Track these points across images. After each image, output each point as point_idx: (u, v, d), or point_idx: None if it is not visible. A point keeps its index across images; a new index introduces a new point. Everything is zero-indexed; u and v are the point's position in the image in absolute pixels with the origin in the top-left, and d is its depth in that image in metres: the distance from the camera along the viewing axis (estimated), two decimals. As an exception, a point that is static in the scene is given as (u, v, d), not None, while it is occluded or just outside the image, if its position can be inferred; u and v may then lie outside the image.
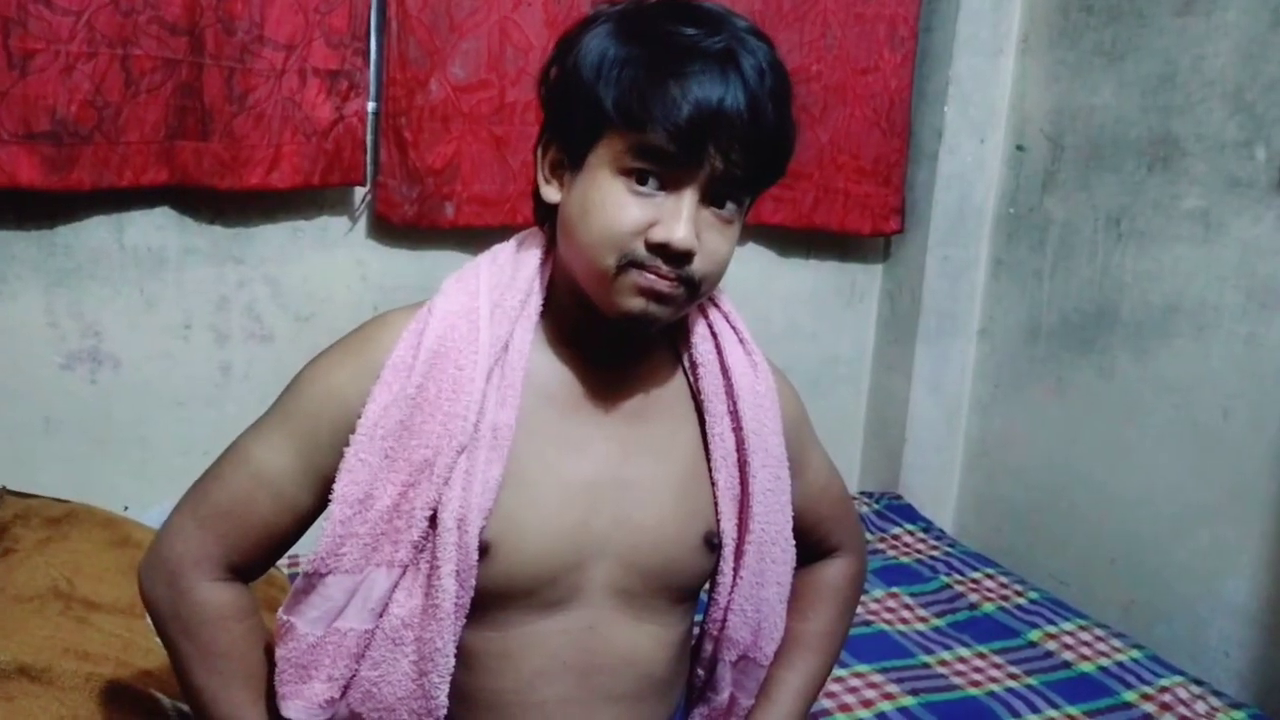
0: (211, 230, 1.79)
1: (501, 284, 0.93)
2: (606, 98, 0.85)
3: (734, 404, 1.00)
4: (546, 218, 0.94)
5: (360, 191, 1.87)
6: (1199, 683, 1.60)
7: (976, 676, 1.60)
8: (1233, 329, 1.76)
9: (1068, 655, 1.68)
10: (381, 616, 0.89)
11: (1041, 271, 2.13)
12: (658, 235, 0.85)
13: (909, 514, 2.21)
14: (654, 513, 0.95)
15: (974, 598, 1.86)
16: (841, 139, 2.16)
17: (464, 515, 0.86)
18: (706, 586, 1.02)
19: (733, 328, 1.05)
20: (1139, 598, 1.91)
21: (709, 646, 1.03)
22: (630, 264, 0.85)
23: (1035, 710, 1.52)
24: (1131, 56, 1.93)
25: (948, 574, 1.95)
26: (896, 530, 2.13)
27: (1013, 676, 1.61)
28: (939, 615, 1.80)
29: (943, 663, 1.64)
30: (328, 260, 1.88)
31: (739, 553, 0.98)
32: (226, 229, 1.80)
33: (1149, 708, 1.54)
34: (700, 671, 1.06)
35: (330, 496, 0.87)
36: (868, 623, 1.75)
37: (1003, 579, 1.93)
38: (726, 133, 0.85)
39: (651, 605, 0.96)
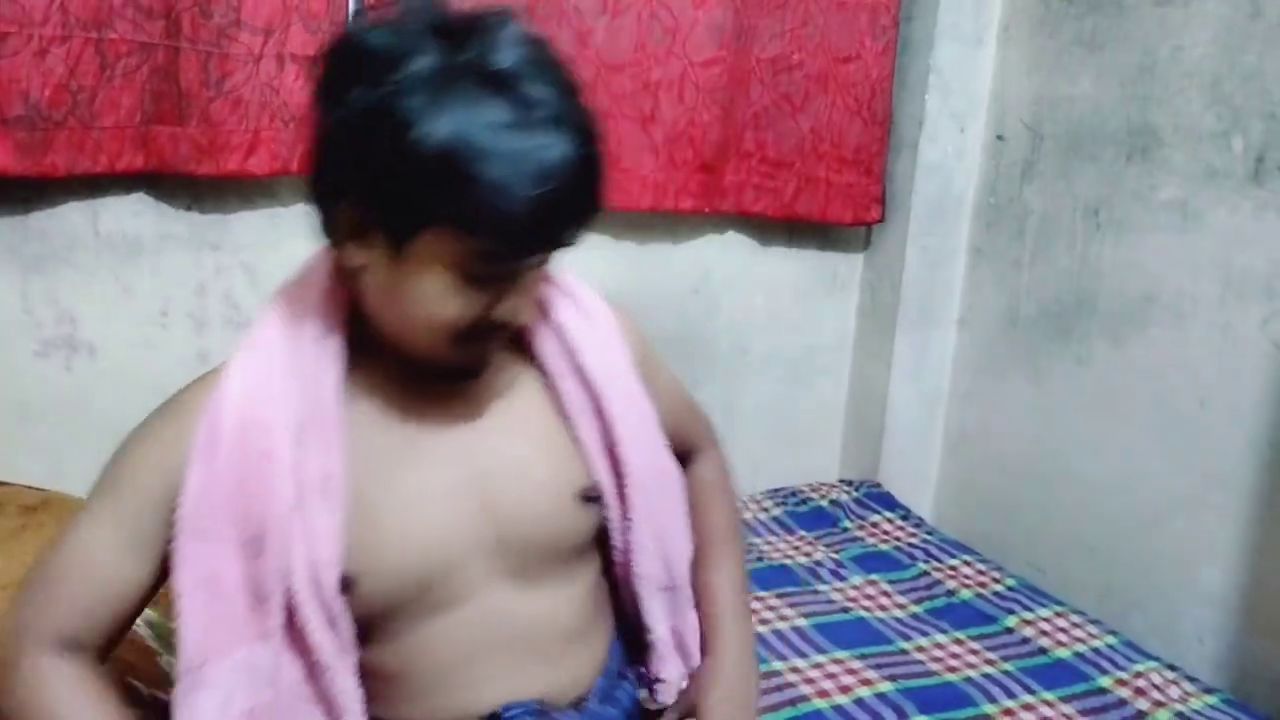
0: (188, 216, 1.78)
1: (296, 336, 0.90)
2: (453, 201, 0.79)
3: (576, 360, 1.01)
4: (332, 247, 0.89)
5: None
6: (1173, 668, 1.62)
7: (954, 662, 1.61)
8: (1210, 319, 1.77)
9: (1044, 641, 1.69)
10: (276, 684, 0.88)
11: (1021, 261, 2.14)
12: (500, 316, 0.87)
13: (888, 502, 2.22)
14: (520, 491, 0.96)
15: (952, 584, 1.87)
16: (822, 128, 2.16)
17: (314, 573, 0.87)
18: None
19: (557, 287, 1.05)
20: (1115, 585, 1.92)
21: (626, 589, 1.06)
22: (461, 341, 0.87)
23: (1012, 695, 1.53)
24: (1111, 46, 1.94)
25: (926, 561, 1.96)
26: (875, 518, 2.14)
27: (989, 662, 1.62)
28: (917, 602, 1.81)
29: (920, 649, 1.65)
30: (306, 247, 1.86)
31: (622, 497, 1.01)
32: (203, 215, 1.79)
33: (1123, 693, 1.55)
34: (629, 612, 1.07)
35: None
36: (846, 609, 1.76)
37: (980, 566, 1.94)
38: (577, 221, 0.85)
39: (547, 572, 0.98)
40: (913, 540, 2.05)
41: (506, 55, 0.81)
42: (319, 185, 0.86)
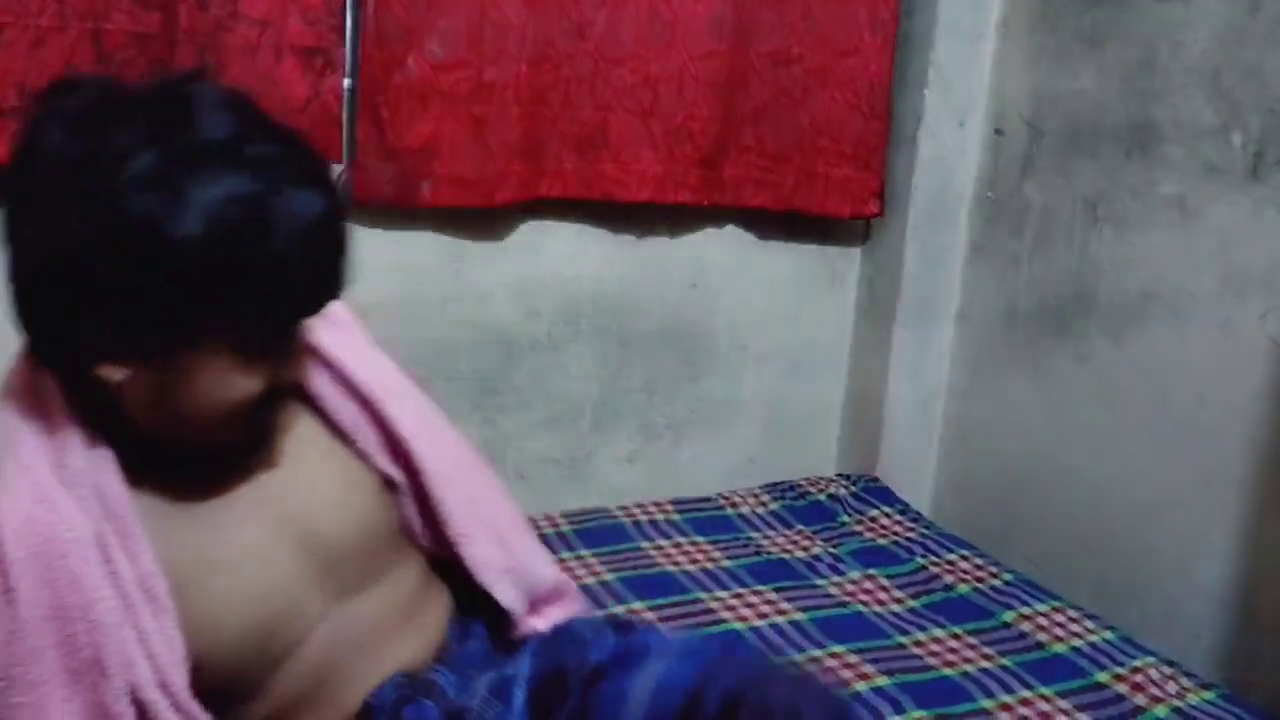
0: (185, 209, 1.78)
1: (56, 452, 0.85)
2: (227, 292, 0.78)
3: (344, 377, 1.03)
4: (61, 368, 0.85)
5: (336, 170, 1.85)
6: (1170, 663, 1.62)
7: (951, 657, 1.61)
8: (1208, 315, 1.77)
9: (1041, 636, 1.69)
10: None
11: (1020, 256, 2.14)
12: (285, 379, 0.89)
13: (886, 496, 2.22)
14: (326, 517, 0.97)
15: (949, 579, 1.87)
16: (822, 122, 2.16)
17: (161, 677, 0.84)
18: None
19: None
20: (1112, 580, 1.93)
21: (470, 571, 1.09)
22: (249, 415, 0.87)
23: (1009, 690, 1.53)
24: (1111, 42, 1.93)
25: (924, 556, 1.96)
26: (874, 513, 2.14)
27: (987, 657, 1.62)
28: (914, 597, 1.81)
29: (918, 643, 1.65)
30: (304, 240, 1.87)
31: (417, 483, 1.05)
32: (201, 207, 1.79)
33: (1121, 688, 1.55)
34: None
35: None
36: (844, 604, 1.76)
37: (978, 561, 1.94)
38: (344, 268, 0.87)
39: (372, 575, 1.01)
40: (911, 535, 2.05)
41: (217, 122, 0.78)
42: (44, 312, 0.81)
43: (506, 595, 1.11)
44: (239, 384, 0.85)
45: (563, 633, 1.10)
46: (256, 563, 0.93)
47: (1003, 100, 2.19)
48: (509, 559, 1.11)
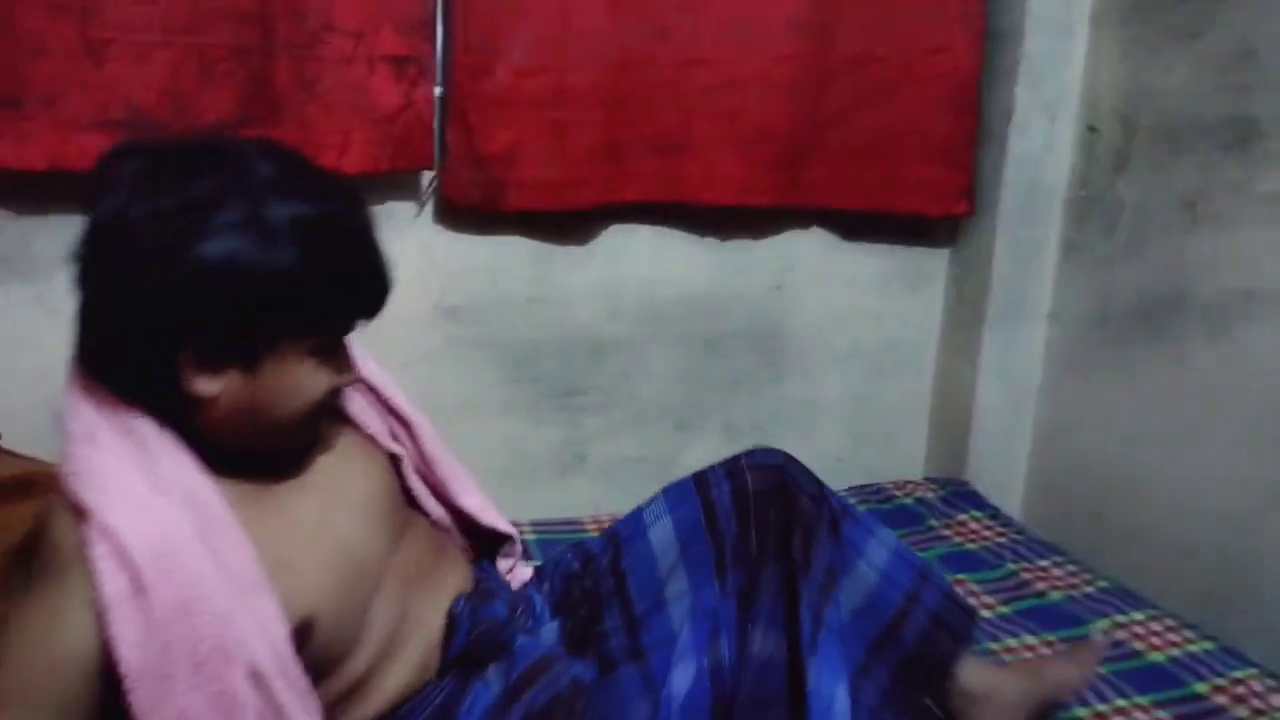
0: (282, 215, 1.83)
1: (145, 462, 0.93)
2: (309, 306, 0.93)
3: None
4: (157, 397, 0.94)
5: (427, 176, 1.89)
6: (1274, 675, 1.56)
7: (1042, 664, 1.59)
8: (1313, 314, 1.71)
9: (1137, 645, 1.65)
10: None
11: (1113, 255, 2.09)
12: (346, 376, 1.03)
13: (976, 501, 2.18)
14: (361, 482, 1.13)
15: (1041, 586, 1.84)
16: (908, 120, 2.13)
17: (277, 656, 0.93)
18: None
19: None
20: (1214, 588, 1.87)
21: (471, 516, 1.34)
22: (320, 411, 1.02)
23: (1104, 699, 1.50)
24: (1208, 34, 1.88)
25: (1015, 561, 1.92)
26: (963, 517, 2.11)
27: (1080, 666, 1.59)
28: (1005, 603, 1.78)
29: (1009, 650, 1.62)
30: (396, 244, 1.86)
31: (419, 455, 1.28)
32: (297, 214, 1.84)
33: (1221, 700, 1.51)
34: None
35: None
36: (931, 609, 1.74)
37: (1071, 567, 1.90)
38: (388, 284, 1.03)
39: (403, 525, 1.20)
40: (1001, 540, 2.01)
41: (265, 165, 0.92)
42: (139, 342, 0.91)
43: (505, 525, 1.37)
44: (314, 384, 0.98)
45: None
46: (328, 529, 1.05)
47: (1095, 95, 2.14)
48: (488, 503, 1.37)
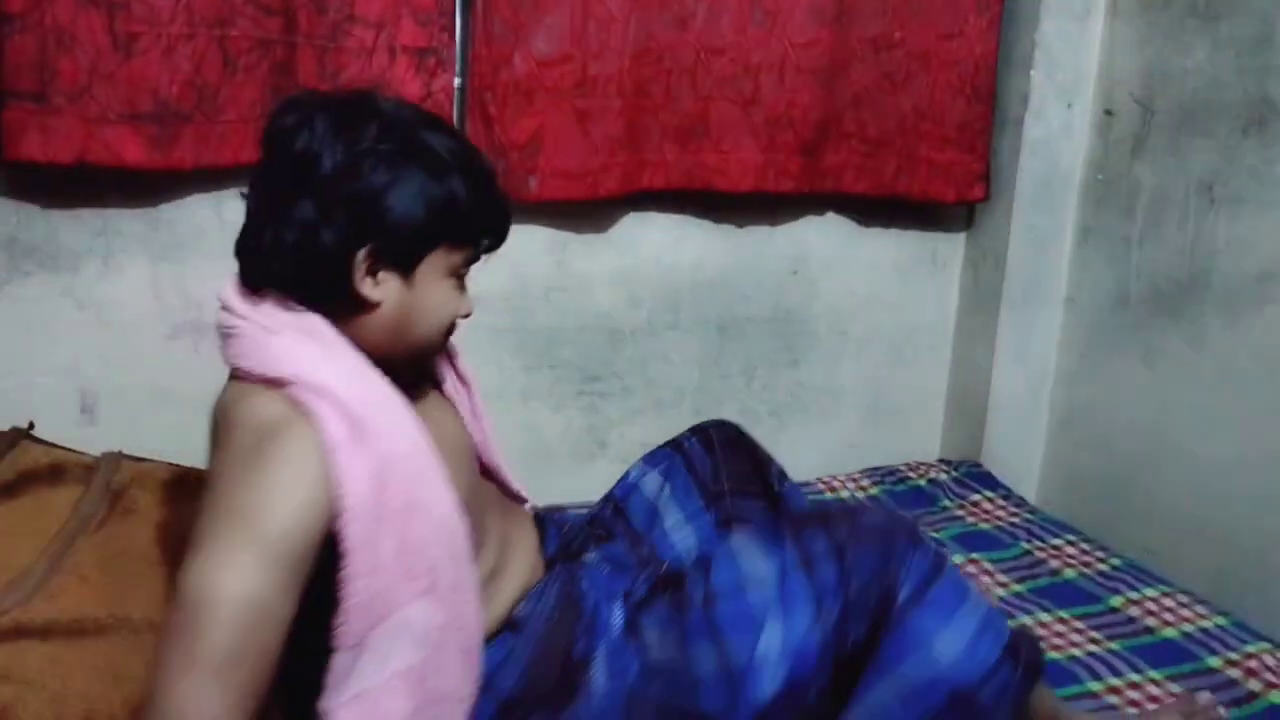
0: (306, 205, 1.86)
1: (332, 357, 1.04)
2: (452, 226, 1.06)
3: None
4: (329, 298, 1.05)
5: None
6: (1287, 651, 1.58)
7: (1058, 641, 1.61)
8: (1330, 296, 1.72)
9: (1150, 621, 1.67)
10: (427, 641, 1.01)
11: (1130, 239, 2.10)
12: (464, 311, 1.14)
13: (988, 481, 2.20)
14: (456, 427, 1.29)
15: (1055, 564, 1.86)
16: (924, 106, 2.15)
17: (449, 524, 1.04)
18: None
19: None
20: (1229, 567, 1.88)
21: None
22: (445, 334, 1.15)
23: (1117, 674, 1.52)
24: (1226, 17, 1.88)
25: (1028, 541, 1.94)
26: (975, 497, 2.13)
27: (1094, 641, 1.61)
28: (1019, 581, 1.80)
29: (1023, 627, 1.65)
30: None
31: (474, 408, 1.40)
32: (320, 204, 1.86)
33: (1234, 673, 1.53)
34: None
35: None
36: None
37: (1084, 545, 1.92)
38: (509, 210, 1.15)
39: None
40: (1014, 520, 2.03)
41: (410, 112, 1.09)
42: (325, 246, 1.02)
43: (525, 492, 1.47)
44: (451, 303, 1.11)
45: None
46: (452, 439, 1.19)
47: (1112, 79, 2.15)
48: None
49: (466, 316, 1.15)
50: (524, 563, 1.30)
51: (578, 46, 1.85)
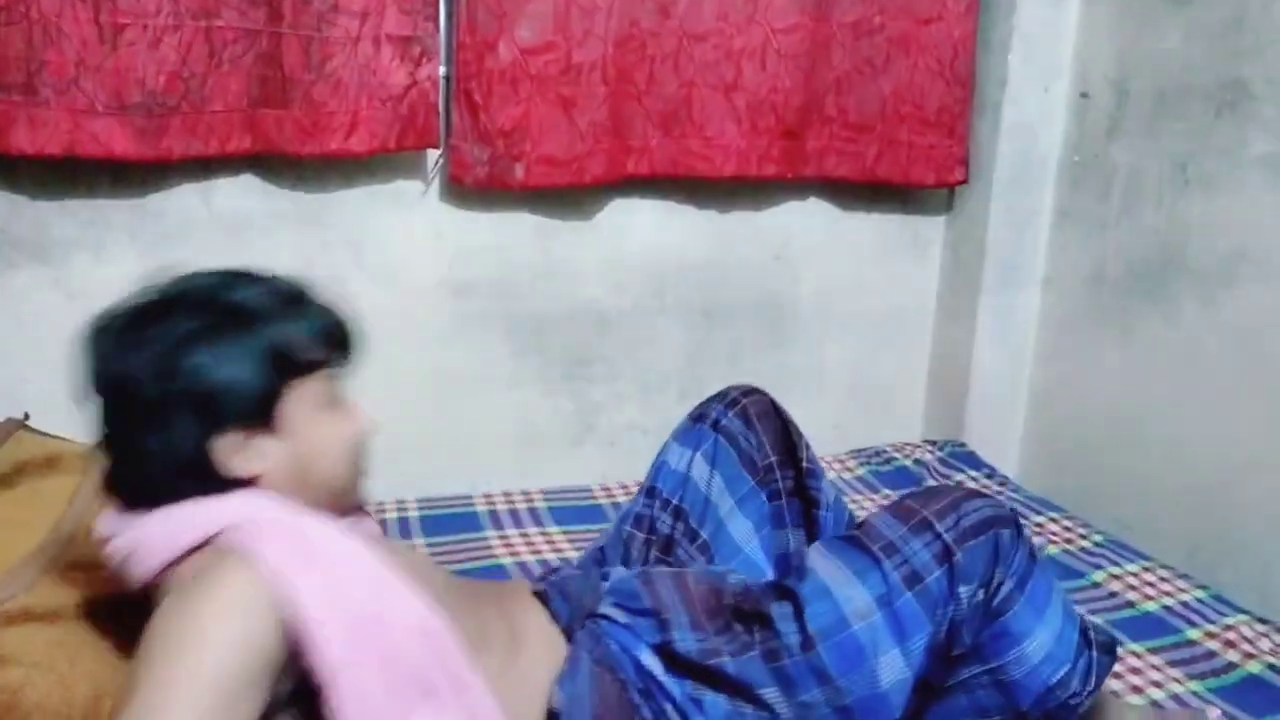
0: (294, 195, 1.87)
1: (256, 500, 1.02)
2: (288, 371, 1.02)
3: None
4: (220, 489, 1.01)
5: (434, 155, 1.93)
6: (1264, 621, 1.62)
7: (1040, 616, 1.64)
8: (1301, 274, 1.76)
9: (1131, 595, 1.71)
10: None
11: (1106, 220, 2.14)
12: (359, 433, 1.09)
13: (972, 461, 2.24)
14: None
15: (1038, 541, 1.89)
16: (904, 90, 2.17)
17: (422, 622, 1.00)
18: None
19: None
20: (1204, 541, 1.93)
21: None
22: (358, 456, 1.09)
23: (1099, 649, 1.55)
24: (1199, 1, 1.91)
25: (1011, 519, 1.98)
26: (960, 477, 2.16)
27: (1077, 616, 1.64)
28: (1003, 559, 1.83)
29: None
30: (405, 223, 1.95)
31: None
32: (308, 194, 1.88)
33: (1213, 645, 1.56)
34: None
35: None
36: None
37: (1066, 522, 1.96)
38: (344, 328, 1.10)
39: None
40: (998, 498, 2.07)
41: (205, 278, 1.07)
42: (185, 453, 0.99)
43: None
44: (340, 430, 1.07)
45: None
46: (415, 562, 1.18)
47: (1088, 62, 2.18)
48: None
49: (365, 435, 1.10)
50: (540, 642, 1.19)
51: (561, 34, 1.87)
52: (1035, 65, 2.21)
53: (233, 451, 1.00)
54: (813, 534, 1.40)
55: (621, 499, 1.99)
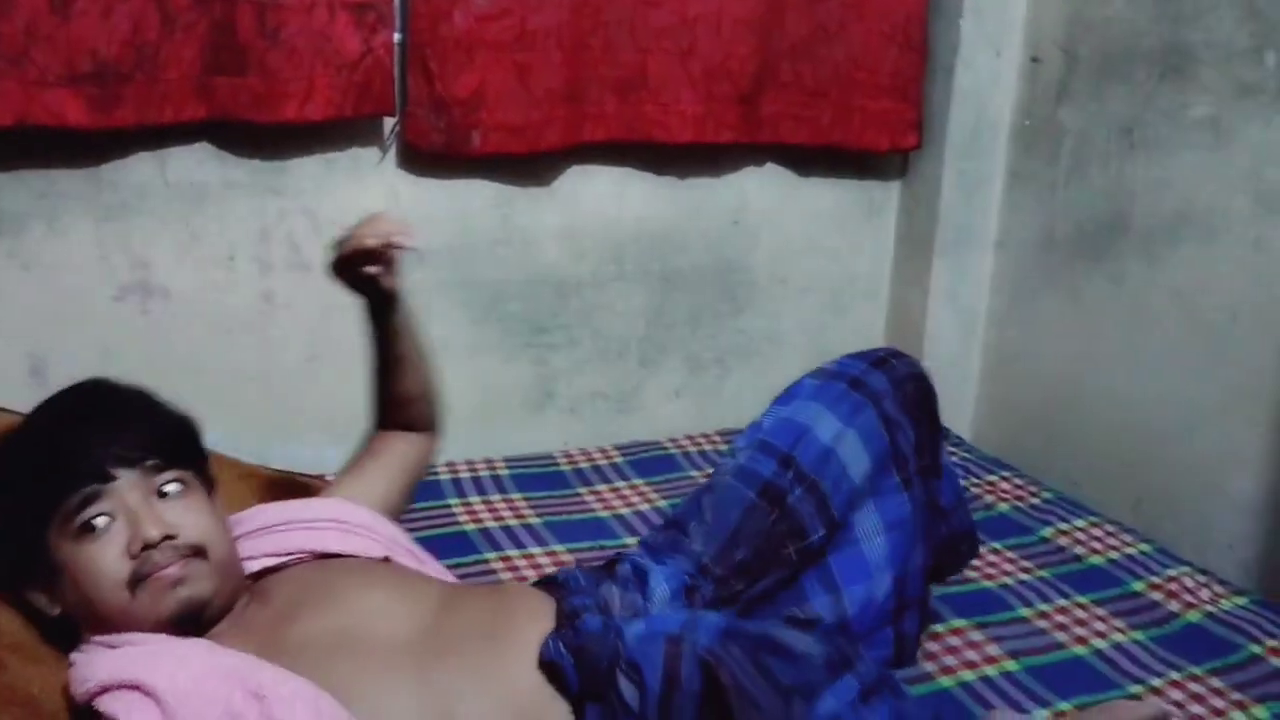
0: (250, 164, 1.86)
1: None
2: (28, 531, 1.03)
3: None
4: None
5: (390, 122, 1.93)
6: (1204, 572, 1.68)
7: (990, 570, 1.69)
8: (1241, 234, 1.81)
9: (1079, 550, 1.76)
10: None
11: (1056, 183, 2.18)
12: (135, 547, 1.02)
13: (927, 422, 2.28)
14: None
15: (989, 499, 1.94)
16: (858, 56, 2.19)
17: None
18: None
19: None
20: (1147, 495, 1.99)
21: None
22: (137, 580, 1.02)
23: (1046, 600, 1.60)
24: (1144, -35, 1.95)
25: (964, 478, 2.02)
26: (915, 438, 2.20)
27: (1025, 570, 1.69)
28: (955, 515, 1.88)
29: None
30: (361, 191, 1.95)
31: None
32: (264, 162, 1.87)
33: (1156, 596, 1.62)
34: None
35: None
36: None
37: (1018, 481, 2.01)
38: (108, 438, 1.06)
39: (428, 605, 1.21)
40: (952, 458, 2.09)
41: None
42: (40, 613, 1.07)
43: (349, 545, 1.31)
44: (106, 559, 1.03)
45: None
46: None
47: (1038, 27, 2.21)
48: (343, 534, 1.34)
49: (148, 548, 1.03)
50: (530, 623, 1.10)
51: (516, 0, 1.86)
52: (987, 30, 2.23)
53: (33, 596, 1.06)
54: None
55: (584, 465, 2.02)
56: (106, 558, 1.03)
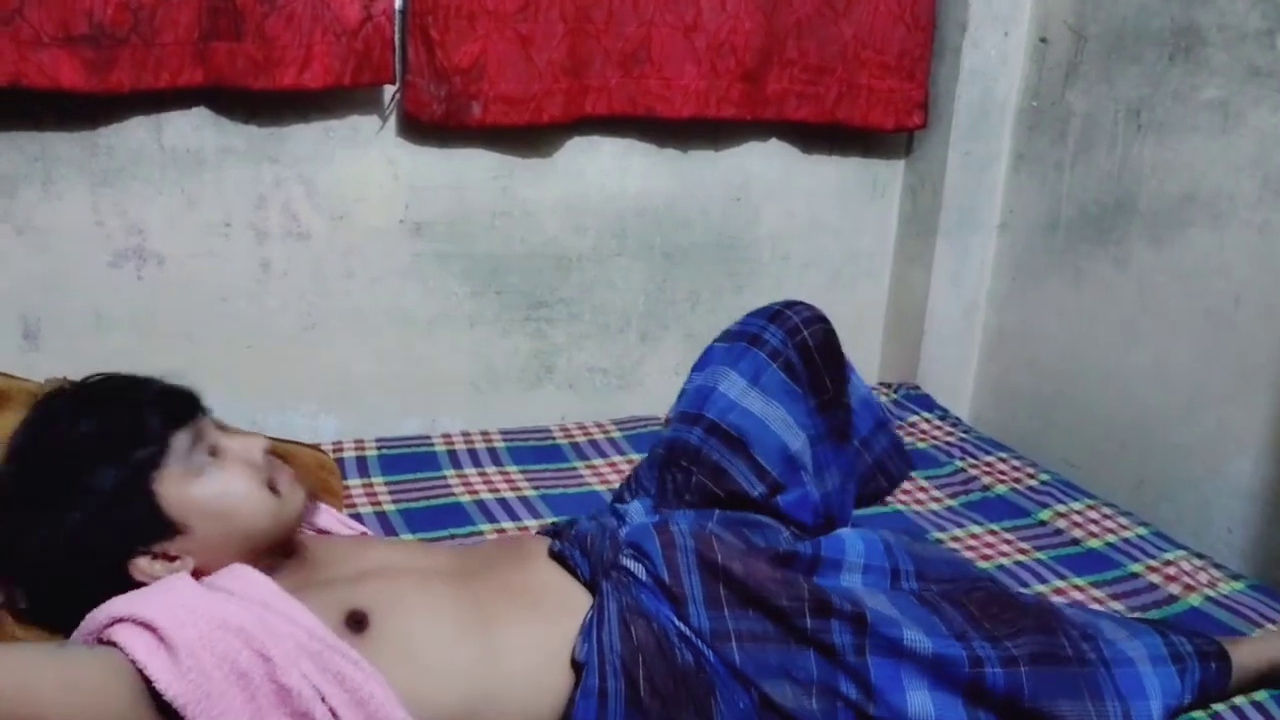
0: (247, 130, 1.84)
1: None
2: (144, 469, 1.03)
3: None
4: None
5: (389, 91, 1.91)
6: (1201, 556, 1.67)
7: (988, 551, 1.68)
8: (1247, 218, 1.79)
9: (1076, 533, 1.75)
10: None
11: (1062, 164, 2.16)
12: (257, 456, 1.10)
13: (926, 403, 2.27)
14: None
15: (987, 480, 1.93)
16: (865, 34, 2.17)
17: (317, 634, 1.03)
18: None
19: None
20: (1147, 478, 1.98)
21: None
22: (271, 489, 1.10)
23: (1043, 581, 1.60)
24: (1156, -56, 1.92)
25: (962, 459, 2.01)
26: (914, 418, 2.20)
27: (1022, 551, 1.68)
28: (953, 496, 1.87)
29: (955, 539, 1.72)
30: (360, 159, 1.93)
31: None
32: (261, 129, 1.85)
33: (1154, 579, 1.61)
34: None
35: None
36: (885, 503, 1.83)
37: (1015, 462, 2.00)
38: (158, 397, 1.09)
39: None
40: (950, 439, 2.10)
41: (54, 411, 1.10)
42: (100, 575, 1.02)
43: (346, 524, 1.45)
44: (227, 473, 1.08)
45: None
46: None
47: (1047, 7, 2.18)
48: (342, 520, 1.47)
49: (272, 472, 1.12)
50: (560, 600, 1.20)
51: (520, -31, 1.84)
52: (995, 10, 2.21)
53: (151, 571, 1.04)
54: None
55: (580, 439, 2.01)
56: (237, 477, 1.08)
